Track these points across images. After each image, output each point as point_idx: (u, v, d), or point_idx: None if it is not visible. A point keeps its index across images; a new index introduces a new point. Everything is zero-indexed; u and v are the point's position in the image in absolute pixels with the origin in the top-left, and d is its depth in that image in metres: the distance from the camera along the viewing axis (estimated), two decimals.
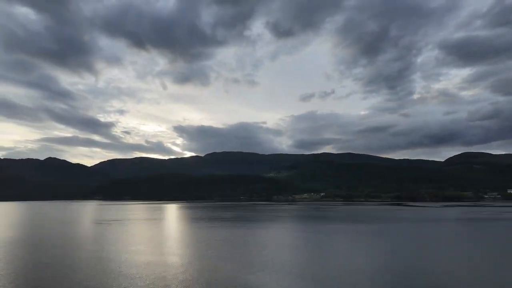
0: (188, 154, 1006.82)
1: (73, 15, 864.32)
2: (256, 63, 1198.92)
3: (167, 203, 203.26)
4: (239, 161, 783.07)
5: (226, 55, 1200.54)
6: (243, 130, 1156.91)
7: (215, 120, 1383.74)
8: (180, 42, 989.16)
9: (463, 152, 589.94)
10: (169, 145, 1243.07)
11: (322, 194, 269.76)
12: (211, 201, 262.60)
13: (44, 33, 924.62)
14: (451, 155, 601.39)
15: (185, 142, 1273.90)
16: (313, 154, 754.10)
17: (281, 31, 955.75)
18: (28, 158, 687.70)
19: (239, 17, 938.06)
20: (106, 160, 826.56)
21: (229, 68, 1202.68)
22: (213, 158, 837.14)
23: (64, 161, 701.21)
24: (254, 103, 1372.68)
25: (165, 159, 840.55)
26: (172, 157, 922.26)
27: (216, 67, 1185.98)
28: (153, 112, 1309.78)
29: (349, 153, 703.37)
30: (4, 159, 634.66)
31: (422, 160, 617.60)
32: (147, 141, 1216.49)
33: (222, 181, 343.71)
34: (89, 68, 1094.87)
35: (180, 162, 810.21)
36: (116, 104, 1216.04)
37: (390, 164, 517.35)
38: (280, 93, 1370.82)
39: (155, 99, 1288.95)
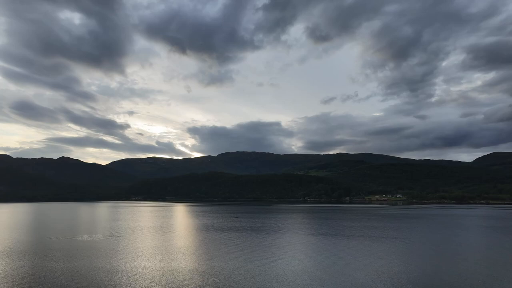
0: (197, 154, 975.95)
1: (119, 20, 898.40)
2: (284, 67, 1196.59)
3: (242, 205, 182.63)
4: (255, 161, 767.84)
5: (257, 58, 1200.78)
6: (254, 131, 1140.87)
7: (226, 121, 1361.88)
8: (217, 47, 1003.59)
9: (491, 152, 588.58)
10: (178, 145, 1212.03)
11: (398, 195, 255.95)
12: (277, 204, 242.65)
13: (87, 37, 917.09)
14: (477, 156, 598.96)
15: (195, 143, 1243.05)
16: (329, 154, 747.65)
17: (318, 36, 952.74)
18: (41, 158, 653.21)
19: (280, 23, 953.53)
20: (117, 160, 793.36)
21: (256, 71, 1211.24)
22: (227, 158, 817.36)
23: (78, 160, 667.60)
24: (270, 105, 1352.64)
25: (178, 159, 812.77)
26: (184, 157, 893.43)
27: (243, 70, 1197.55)
28: (165, 113, 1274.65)
29: (367, 153, 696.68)
30: (17, 158, 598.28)
31: (447, 160, 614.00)
32: (157, 142, 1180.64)
33: (274, 182, 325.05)
34: (121, 71, 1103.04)
35: (194, 162, 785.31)
36: (127, 105, 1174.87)
37: (415, 163, 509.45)
38: (301, 96, 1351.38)
39: (174, 100, 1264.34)
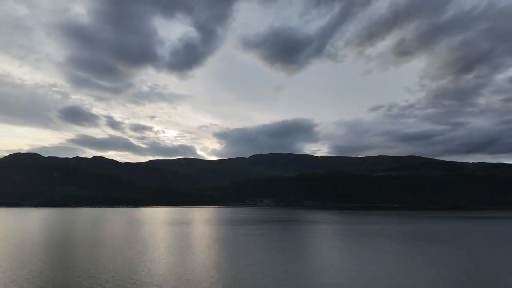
0: (229, 156, 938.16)
1: (227, 35, 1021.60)
2: (345, 78, 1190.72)
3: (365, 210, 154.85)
4: (293, 163, 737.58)
5: (332, 68, 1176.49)
6: (278, 133, 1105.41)
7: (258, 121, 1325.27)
8: (297, 59, 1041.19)
9: None
10: (206, 146, 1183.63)
11: None
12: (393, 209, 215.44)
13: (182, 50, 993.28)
14: None
15: (222, 144, 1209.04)
16: (370, 156, 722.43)
17: (401, 51, 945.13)
18: (94, 156, 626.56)
19: (371, 36, 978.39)
20: (148, 160, 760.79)
21: (315, 80, 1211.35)
22: (261, 160, 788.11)
23: (113, 160, 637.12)
24: (314, 108, 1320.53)
25: (212, 160, 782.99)
26: (218, 158, 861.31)
27: (306, 77, 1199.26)
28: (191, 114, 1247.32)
29: (414, 156, 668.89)
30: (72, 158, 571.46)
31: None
32: (182, 143, 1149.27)
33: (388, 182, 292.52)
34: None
35: (229, 163, 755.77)
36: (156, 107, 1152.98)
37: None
38: (348, 103, 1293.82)
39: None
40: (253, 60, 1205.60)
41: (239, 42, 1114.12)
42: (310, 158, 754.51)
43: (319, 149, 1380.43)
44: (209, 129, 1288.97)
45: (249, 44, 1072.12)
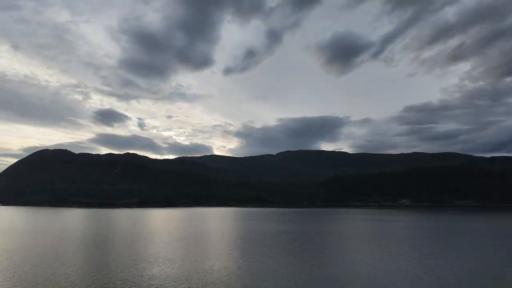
0: (257, 153, 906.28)
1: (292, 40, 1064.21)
2: (387, 79, 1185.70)
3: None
4: (322, 160, 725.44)
5: (377, 69, 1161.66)
6: (302, 131, 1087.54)
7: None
8: (351, 62, 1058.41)
9: None
10: (223, 145, 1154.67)
11: None
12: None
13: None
14: None
15: (247, 141, 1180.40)
16: (402, 154, 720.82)
17: (454, 55, 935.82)
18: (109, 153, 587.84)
19: (431, 41, 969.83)
20: (173, 158, 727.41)
21: (358, 81, 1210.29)
22: (292, 157, 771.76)
23: (145, 156, 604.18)
24: (339, 107, 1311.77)
25: (241, 157, 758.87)
26: (246, 155, 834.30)
27: (352, 78, 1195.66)
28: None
29: (454, 153, 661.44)
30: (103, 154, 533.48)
31: None
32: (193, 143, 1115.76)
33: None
34: None
35: (259, 160, 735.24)
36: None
37: None
38: (383, 103, 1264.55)
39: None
40: (309, 62, 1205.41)
41: (300, 46, 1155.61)
42: (343, 155, 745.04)
43: (340, 148, 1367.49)
44: (223, 128, 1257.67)
45: (308, 48, 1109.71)
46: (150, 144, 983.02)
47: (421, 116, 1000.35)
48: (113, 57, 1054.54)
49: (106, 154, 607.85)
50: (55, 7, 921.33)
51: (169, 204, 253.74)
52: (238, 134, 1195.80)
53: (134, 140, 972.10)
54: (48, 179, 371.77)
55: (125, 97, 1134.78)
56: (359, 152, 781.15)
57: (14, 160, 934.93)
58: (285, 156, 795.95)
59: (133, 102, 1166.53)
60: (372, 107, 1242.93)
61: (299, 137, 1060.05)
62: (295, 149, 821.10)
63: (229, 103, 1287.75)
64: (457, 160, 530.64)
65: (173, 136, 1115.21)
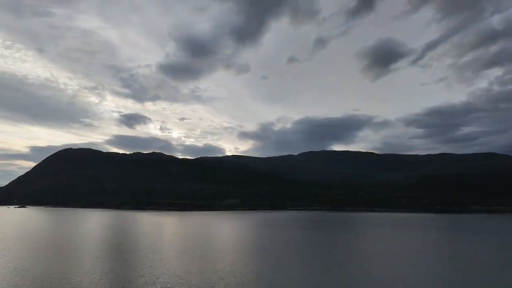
0: (278, 154, 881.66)
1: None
2: (417, 84, 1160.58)
3: None
4: (350, 160, 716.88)
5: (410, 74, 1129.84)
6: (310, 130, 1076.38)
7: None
8: (388, 68, 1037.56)
9: None
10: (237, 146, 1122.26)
11: None
12: None
13: None
14: None
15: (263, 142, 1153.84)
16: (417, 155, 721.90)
17: (489, 60, 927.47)
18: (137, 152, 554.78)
19: (472, 48, 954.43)
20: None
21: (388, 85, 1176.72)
22: (316, 157, 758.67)
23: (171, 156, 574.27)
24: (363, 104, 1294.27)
25: (270, 157, 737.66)
26: (267, 156, 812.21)
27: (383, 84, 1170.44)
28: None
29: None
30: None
31: None
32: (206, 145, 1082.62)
33: None
34: None
35: (283, 160, 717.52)
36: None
37: None
38: (406, 105, 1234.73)
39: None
40: (345, 68, 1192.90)
41: (342, 52, 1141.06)
42: (372, 156, 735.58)
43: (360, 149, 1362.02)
44: (237, 129, 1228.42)
45: (350, 54, 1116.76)
46: (166, 146, 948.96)
47: (444, 118, 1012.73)
48: (135, 61, 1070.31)
49: (135, 153, 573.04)
50: (87, 14, 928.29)
51: (277, 207, 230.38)
52: (253, 135, 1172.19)
53: (151, 142, 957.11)
54: (104, 178, 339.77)
55: (140, 99, 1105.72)
56: (386, 152, 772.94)
57: (24, 162, 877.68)
58: (306, 156, 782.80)
59: (149, 104, 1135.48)
60: (396, 109, 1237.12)
61: (315, 138, 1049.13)
62: (316, 149, 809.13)
63: (242, 104, 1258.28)
64: (497, 160, 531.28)
65: (186, 138, 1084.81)
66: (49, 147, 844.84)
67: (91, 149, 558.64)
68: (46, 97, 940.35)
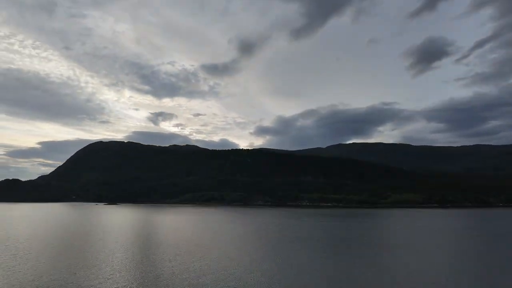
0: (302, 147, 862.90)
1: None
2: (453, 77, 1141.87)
3: None
4: (387, 152, 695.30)
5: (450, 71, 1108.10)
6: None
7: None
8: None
9: None
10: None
11: None
12: None
13: None
14: None
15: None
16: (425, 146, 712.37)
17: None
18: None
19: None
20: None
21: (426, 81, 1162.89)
22: (345, 150, 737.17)
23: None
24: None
25: (293, 150, 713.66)
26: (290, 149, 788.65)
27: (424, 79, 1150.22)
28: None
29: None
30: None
31: None
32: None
33: None
34: None
35: (313, 153, 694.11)
36: None
37: None
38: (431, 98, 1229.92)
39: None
40: (389, 65, 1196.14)
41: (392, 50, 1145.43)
42: (406, 148, 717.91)
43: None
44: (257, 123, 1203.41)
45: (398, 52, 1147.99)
46: (184, 142, 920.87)
47: (469, 113, 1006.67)
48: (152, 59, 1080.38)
49: (172, 145, 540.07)
50: (117, 17, 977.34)
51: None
52: (271, 130, 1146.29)
53: (171, 138, 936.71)
54: (173, 173, 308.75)
55: (158, 95, 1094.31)
56: (419, 144, 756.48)
57: (36, 159, 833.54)
58: (338, 149, 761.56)
59: (167, 100, 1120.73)
60: (426, 104, 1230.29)
61: (336, 132, 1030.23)
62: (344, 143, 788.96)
63: (258, 98, 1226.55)
64: None
65: (198, 133, 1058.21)
66: (59, 142, 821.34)
67: (128, 141, 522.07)
68: (65, 94, 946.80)
